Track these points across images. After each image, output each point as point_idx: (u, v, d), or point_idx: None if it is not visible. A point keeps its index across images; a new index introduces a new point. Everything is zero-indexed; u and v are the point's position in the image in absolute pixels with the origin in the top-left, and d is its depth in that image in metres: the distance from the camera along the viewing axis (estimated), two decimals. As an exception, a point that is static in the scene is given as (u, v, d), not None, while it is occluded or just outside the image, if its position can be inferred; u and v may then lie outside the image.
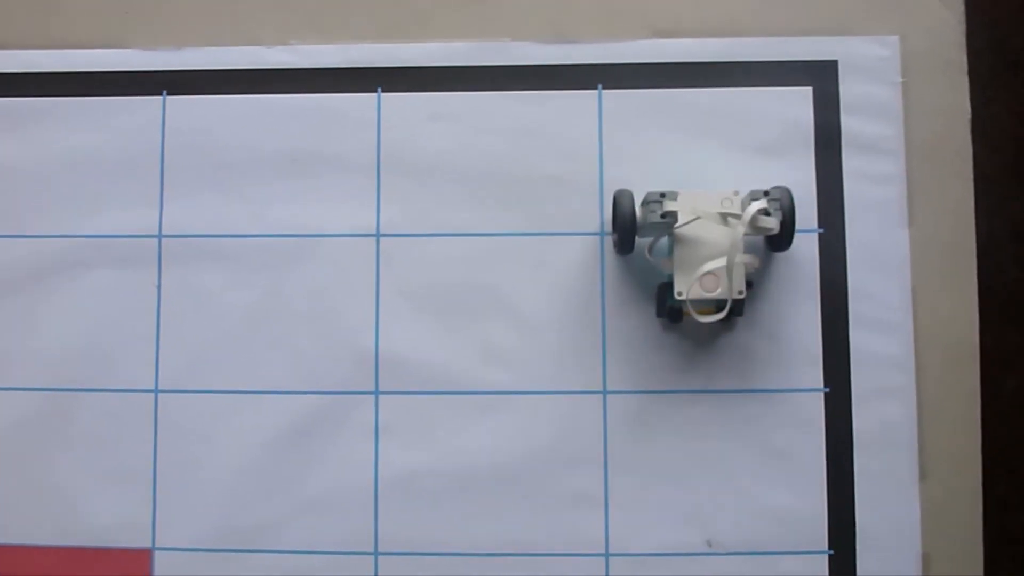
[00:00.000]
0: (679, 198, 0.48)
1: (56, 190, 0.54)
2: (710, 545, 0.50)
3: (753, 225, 0.48)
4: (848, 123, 0.52)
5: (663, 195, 0.48)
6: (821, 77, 0.52)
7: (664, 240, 0.50)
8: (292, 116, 0.53)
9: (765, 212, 0.48)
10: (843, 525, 0.50)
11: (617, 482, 0.51)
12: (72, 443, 0.53)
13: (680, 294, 0.48)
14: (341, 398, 0.52)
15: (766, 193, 0.49)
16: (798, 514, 0.50)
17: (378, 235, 0.53)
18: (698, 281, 0.48)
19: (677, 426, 0.51)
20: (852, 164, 0.52)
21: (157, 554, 0.52)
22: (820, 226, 0.52)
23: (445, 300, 0.52)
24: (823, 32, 0.53)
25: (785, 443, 0.51)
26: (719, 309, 0.49)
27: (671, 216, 0.48)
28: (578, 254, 0.52)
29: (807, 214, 0.52)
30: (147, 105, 0.54)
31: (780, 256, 0.52)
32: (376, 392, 0.52)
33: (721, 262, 0.47)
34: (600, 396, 0.51)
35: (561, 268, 0.52)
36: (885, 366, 0.51)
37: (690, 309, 0.48)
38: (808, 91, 0.52)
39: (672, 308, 0.50)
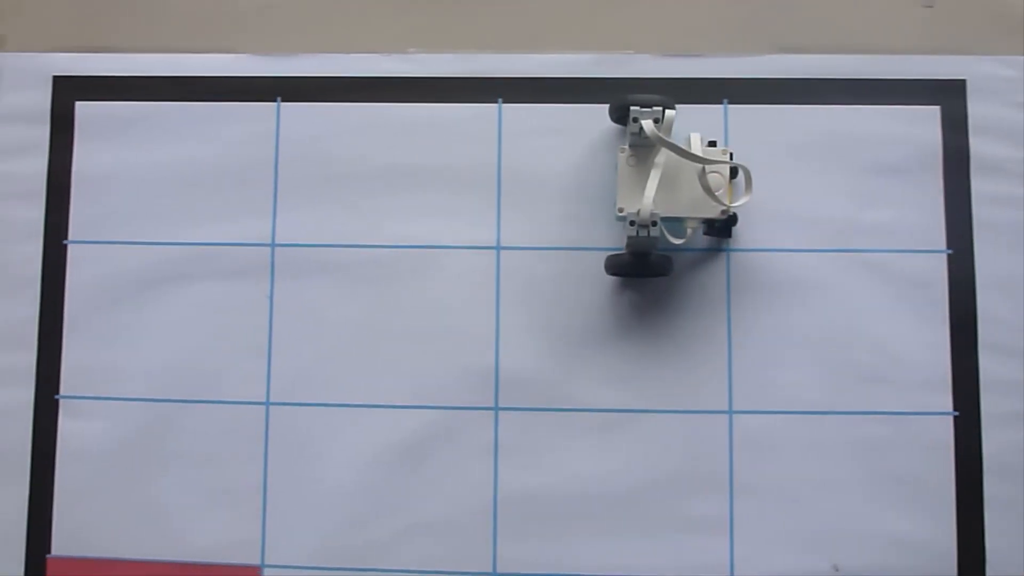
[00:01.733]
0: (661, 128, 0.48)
1: (165, 197, 0.53)
2: (837, 570, 0.49)
3: (703, 180, 0.48)
4: (976, 144, 0.52)
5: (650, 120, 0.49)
6: (949, 97, 0.52)
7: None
8: (409, 126, 0.52)
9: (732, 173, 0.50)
10: (972, 553, 0.49)
11: (741, 505, 0.50)
12: (179, 456, 0.52)
13: (621, 210, 0.49)
14: (459, 414, 0.51)
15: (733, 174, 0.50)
16: (926, 541, 0.49)
17: (498, 247, 0.52)
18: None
19: (802, 448, 0.50)
20: (981, 186, 0.51)
21: (266, 572, 0.51)
22: (948, 247, 0.51)
23: (565, 315, 0.51)
24: (949, 51, 0.52)
25: (913, 467, 0.50)
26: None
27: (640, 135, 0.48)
28: (702, 270, 0.51)
29: (935, 235, 0.51)
30: (260, 112, 0.53)
31: (906, 276, 0.51)
32: (496, 408, 0.51)
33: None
34: (726, 416, 0.50)
35: (684, 283, 0.51)
36: (1016, 390, 0.50)
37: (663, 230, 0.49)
38: (935, 111, 0.52)
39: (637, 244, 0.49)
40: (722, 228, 0.50)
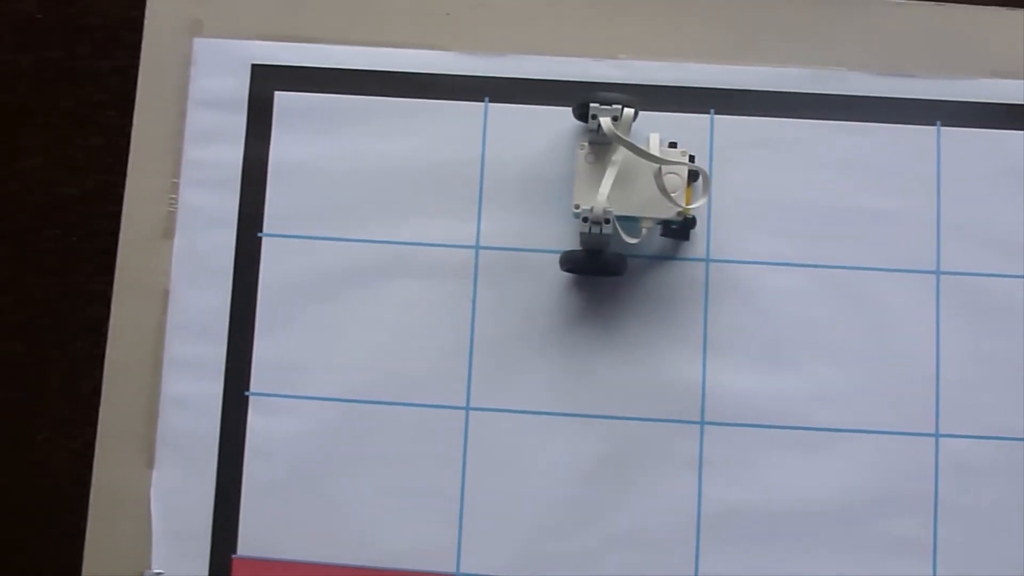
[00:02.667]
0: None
1: (364, 192, 0.52)
2: (1042, 598, 0.49)
3: (659, 181, 0.48)
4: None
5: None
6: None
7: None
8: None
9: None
10: None
11: (945, 530, 0.50)
12: (372, 458, 0.51)
13: (577, 206, 0.49)
14: (663, 426, 0.50)
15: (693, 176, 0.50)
16: None
17: (708, 260, 0.51)
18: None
19: (1011, 474, 0.50)
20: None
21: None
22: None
23: (772, 332, 0.51)
24: None
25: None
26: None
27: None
28: (908, 292, 0.51)
29: None
30: (468, 111, 0.52)
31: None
32: (702, 423, 0.50)
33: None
34: (932, 439, 0.50)
35: (889, 305, 0.51)
36: None
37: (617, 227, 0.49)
38: None
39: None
40: (679, 231, 0.51)
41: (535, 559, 0.50)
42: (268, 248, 0.52)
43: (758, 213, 0.51)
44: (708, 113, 0.52)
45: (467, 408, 0.51)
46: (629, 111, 0.49)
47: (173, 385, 0.51)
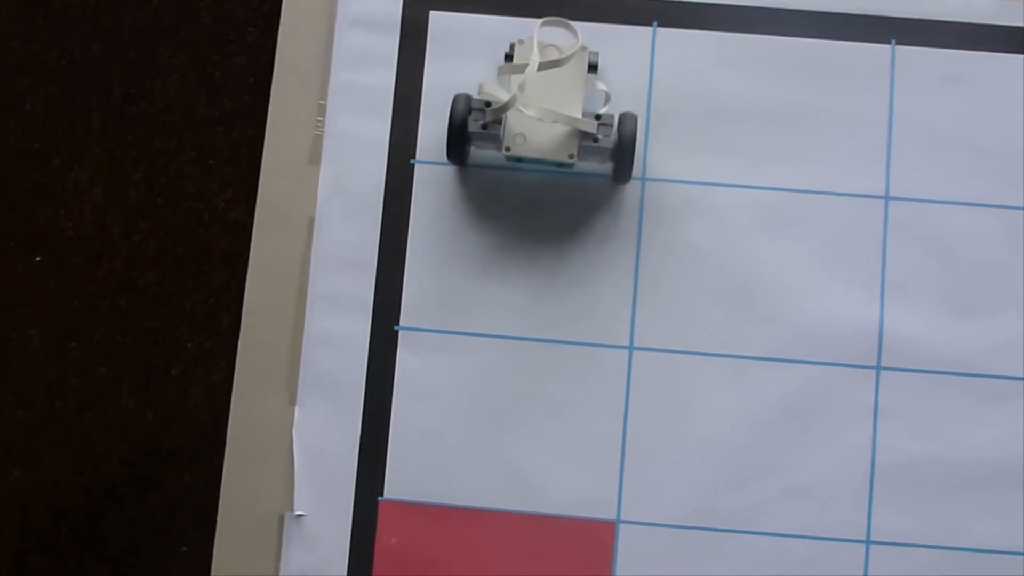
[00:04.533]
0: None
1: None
2: None
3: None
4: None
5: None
6: None
7: None
8: (793, 63, 0.49)
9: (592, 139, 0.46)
10: None
11: None
12: (528, 398, 0.48)
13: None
14: (836, 371, 0.48)
15: (598, 117, 0.46)
16: None
17: (887, 198, 0.49)
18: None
19: None
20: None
21: (622, 528, 0.48)
22: None
23: (955, 275, 0.48)
24: None
25: None
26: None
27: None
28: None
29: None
30: (634, 36, 0.49)
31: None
32: (878, 367, 0.48)
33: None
34: (1122, 390, 0.48)
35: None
36: None
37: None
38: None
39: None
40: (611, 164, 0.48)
41: (700, 511, 0.47)
42: (420, 176, 0.49)
43: (945, 152, 0.49)
44: (889, 44, 0.49)
45: (630, 348, 0.48)
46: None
47: (318, 321, 0.49)
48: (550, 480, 0.48)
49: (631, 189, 0.49)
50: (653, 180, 0.49)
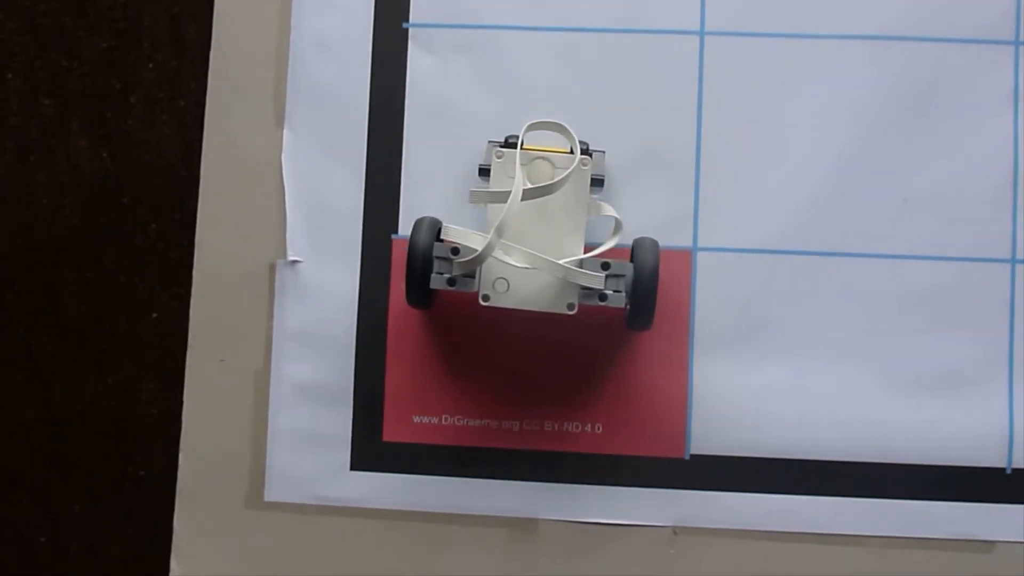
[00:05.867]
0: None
1: None
2: None
3: None
4: None
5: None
6: None
7: None
8: None
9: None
10: None
11: None
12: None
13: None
14: (965, 49, 0.37)
15: (605, 266, 0.34)
16: None
17: None
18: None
19: None
20: None
21: (699, 255, 0.38)
22: None
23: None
24: None
25: None
26: None
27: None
28: None
29: None
30: None
31: None
32: (1016, 42, 0.38)
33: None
34: None
35: None
36: None
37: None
38: None
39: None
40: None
41: (794, 232, 0.38)
42: None
43: None
44: None
45: (701, 33, 0.38)
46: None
47: (308, 19, 0.39)
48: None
49: None
50: None
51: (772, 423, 0.37)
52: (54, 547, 0.40)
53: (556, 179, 0.34)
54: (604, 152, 0.37)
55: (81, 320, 0.40)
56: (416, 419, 0.38)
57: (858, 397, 0.37)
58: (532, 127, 0.36)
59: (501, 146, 0.36)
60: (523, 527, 0.38)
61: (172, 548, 0.39)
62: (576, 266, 0.34)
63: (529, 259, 0.34)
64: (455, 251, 0.34)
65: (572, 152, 0.35)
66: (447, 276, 0.34)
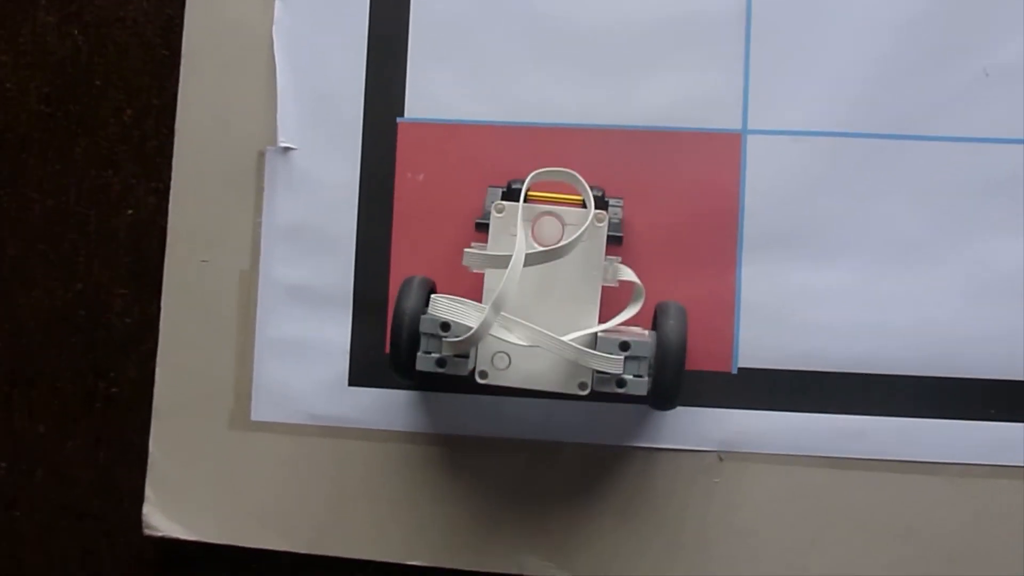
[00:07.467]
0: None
1: None
2: None
3: None
4: None
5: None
6: None
7: None
8: None
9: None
10: None
11: None
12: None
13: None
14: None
15: (624, 346, 0.29)
16: None
17: None
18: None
19: None
20: None
21: (750, 139, 0.33)
22: None
23: None
24: None
25: None
26: None
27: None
28: None
29: None
30: None
31: None
32: None
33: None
34: None
35: None
36: None
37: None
38: None
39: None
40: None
41: (867, 111, 0.33)
42: None
43: None
44: None
45: None
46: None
47: None
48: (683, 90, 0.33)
49: None
50: None
51: (831, 333, 0.33)
52: (16, 472, 0.35)
53: (566, 241, 0.29)
54: (621, 202, 0.32)
55: (47, 218, 0.35)
56: (424, 327, 0.33)
57: (931, 304, 0.32)
58: (538, 176, 0.30)
59: (503, 196, 0.31)
60: (546, 450, 0.33)
61: (147, 474, 0.34)
62: (590, 344, 0.29)
63: (534, 337, 0.28)
64: (445, 327, 0.29)
65: (585, 206, 0.30)
66: (435, 356, 0.29)
